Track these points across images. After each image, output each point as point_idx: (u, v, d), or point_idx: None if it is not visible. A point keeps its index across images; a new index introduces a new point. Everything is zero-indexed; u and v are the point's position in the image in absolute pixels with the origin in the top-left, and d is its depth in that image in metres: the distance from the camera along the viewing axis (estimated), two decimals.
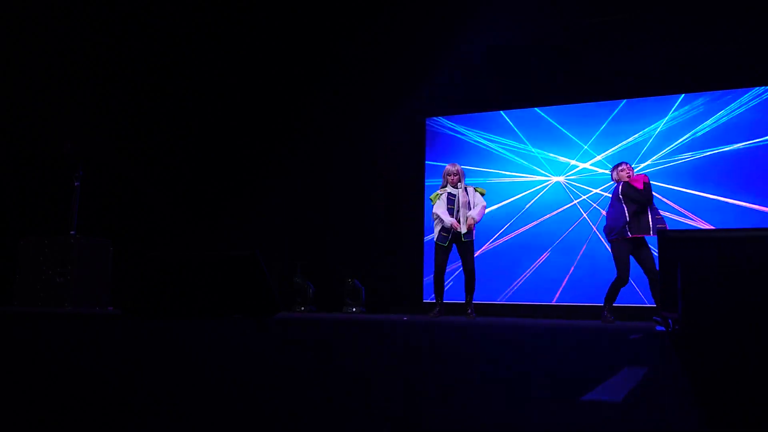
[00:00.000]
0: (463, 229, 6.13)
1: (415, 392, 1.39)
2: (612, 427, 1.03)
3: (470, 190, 6.33)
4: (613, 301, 5.96)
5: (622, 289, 5.98)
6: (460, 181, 6.29)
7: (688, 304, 2.87)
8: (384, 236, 9.03)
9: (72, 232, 6.94)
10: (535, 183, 8.40)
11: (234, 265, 5.16)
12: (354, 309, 8.28)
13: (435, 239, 6.29)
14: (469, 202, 6.24)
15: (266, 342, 2.87)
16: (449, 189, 6.29)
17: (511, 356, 2.40)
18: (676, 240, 3.82)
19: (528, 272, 8.23)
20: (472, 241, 6.24)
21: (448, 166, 6.39)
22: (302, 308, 8.37)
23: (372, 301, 8.58)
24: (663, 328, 4.53)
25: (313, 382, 1.51)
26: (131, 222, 8.48)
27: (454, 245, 6.29)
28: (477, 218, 6.22)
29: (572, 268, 8.00)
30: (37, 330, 3.34)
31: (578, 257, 8.01)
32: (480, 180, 8.59)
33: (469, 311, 6.26)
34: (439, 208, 6.23)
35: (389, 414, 1.12)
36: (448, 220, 6.15)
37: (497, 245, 8.44)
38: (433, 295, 6.45)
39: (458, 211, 6.21)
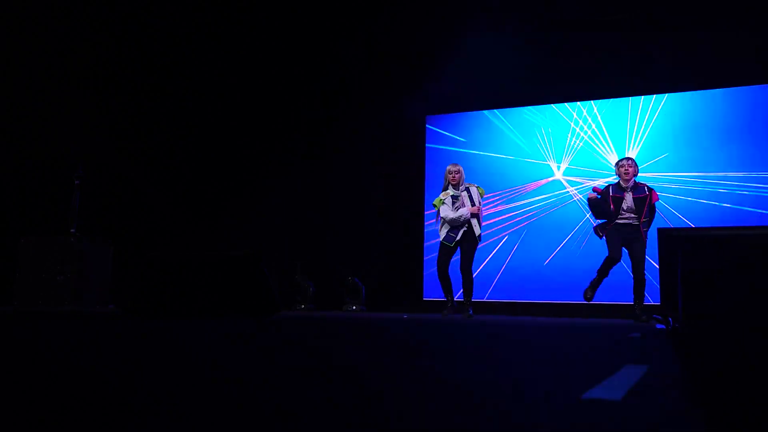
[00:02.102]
0: (469, 230, 6.13)
1: (415, 391, 1.39)
2: (612, 426, 1.03)
3: (473, 190, 6.27)
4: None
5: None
6: (460, 182, 6.26)
7: (688, 302, 2.87)
8: (384, 235, 9.03)
9: (72, 231, 6.94)
10: (536, 180, 8.40)
11: (234, 264, 5.16)
12: (354, 307, 8.29)
13: (441, 239, 6.27)
14: (474, 203, 6.21)
15: (266, 341, 2.87)
16: (451, 191, 6.26)
17: (511, 355, 2.40)
18: (676, 238, 3.81)
19: (528, 271, 8.22)
20: (476, 244, 6.21)
21: (449, 166, 6.36)
22: (302, 307, 8.37)
23: (372, 300, 8.59)
24: (663, 327, 4.53)
25: (312, 381, 1.51)
26: (131, 221, 8.48)
27: (458, 247, 6.25)
28: (477, 209, 6.16)
29: (573, 265, 8.00)
30: (38, 329, 3.34)
31: (579, 255, 8.01)
32: (480, 179, 8.59)
33: (467, 310, 6.21)
34: (446, 211, 6.20)
35: (389, 413, 1.12)
36: (465, 210, 6.12)
37: (498, 243, 8.44)
38: (443, 294, 6.36)
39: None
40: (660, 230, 4.40)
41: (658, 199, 5.78)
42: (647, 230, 5.74)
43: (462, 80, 8.63)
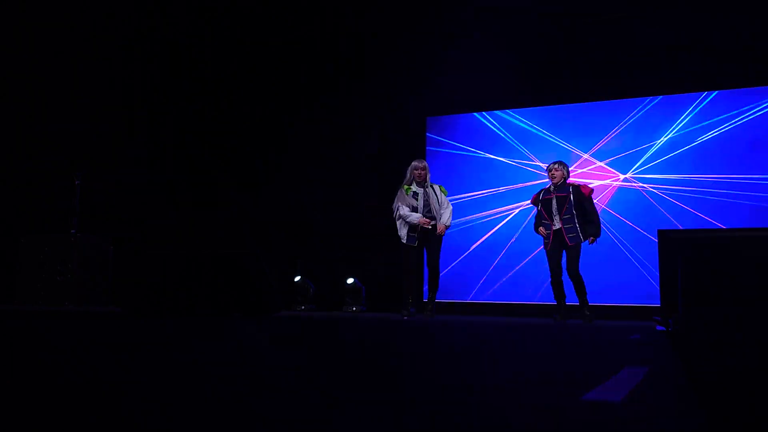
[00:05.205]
0: (434, 227, 6.07)
1: (414, 392, 1.39)
2: (612, 427, 1.03)
3: (437, 189, 6.19)
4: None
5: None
6: (426, 180, 6.16)
7: (688, 303, 2.87)
8: (384, 235, 9.02)
9: (72, 231, 6.95)
10: (537, 182, 8.40)
11: (235, 262, 5.17)
12: (354, 308, 8.28)
13: (404, 241, 6.09)
14: (438, 201, 6.12)
15: (266, 340, 2.87)
16: (414, 187, 6.16)
17: (511, 356, 2.40)
18: (676, 240, 3.82)
19: (528, 271, 8.22)
20: (441, 240, 6.12)
21: (415, 162, 6.22)
22: (302, 307, 8.37)
23: (372, 300, 8.59)
24: (663, 328, 4.53)
25: (311, 380, 1.52)
26: (131, 220, 8.48)
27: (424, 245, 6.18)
28: (449, 224, 6.12)
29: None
30: (38, 328, 3.34)
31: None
32: (478, 179, 8.60)
33: (430, 308, 6.11)
34: (403, 208, 6.08)
35: (389, 413, 1.12)
36: (416, 216, 6.00)
37: (498, 244, 8.44)
38: (408, 296, 6.13)
39: (425, 208, 6.08)
40: (660, 232, 4.40)
41: (588, 192, 5.82)
42: (590, 227, 5.76)
43: (462, 82, 8.62)
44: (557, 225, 5.83)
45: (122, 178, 8.44)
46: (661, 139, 7.84)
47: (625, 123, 8.05)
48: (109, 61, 8.56)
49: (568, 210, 5.78)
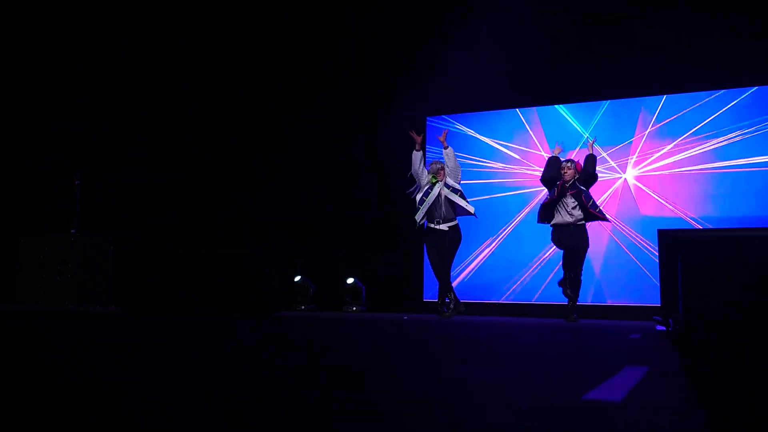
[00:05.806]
0: (451, 228, 6.16)
1: (415, 392, 1.39)
2: (612, 427, 1.03)
3: (449, 181, 6.29)
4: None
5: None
6: (443, 178, 6.27)
7: (688, 303, 2.87)
8: (384, 235, 9.03)
9: (72, 231, 6.95)
10: (535, 181, 8.40)
11: (235, 262, 5.17)
12: (354, 308, 8.28)
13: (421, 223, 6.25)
14: (450, 197, 6.21)
15: (266, 340, 2.87)
16: (432, 179, 6.31)
17: (511, 356, 2.40)
18: (676, 239, 3.82)
19: (528, 272, 8.22)
20: (454, 244, 6.17)
21: (432, 163, 6.45)
22: (302, 307, 8.38)
23: (372, 300, 8.58)
24: (663, 328, 4.53)
25: (311, 380, 1.52)
26: (132, 220, 8.48)
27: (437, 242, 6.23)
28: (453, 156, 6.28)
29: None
30: (38, 328, 3.34)
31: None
32: (480, 179, 8.60)
33: (442, 309, 6.21)
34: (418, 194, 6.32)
35: (390, 413, 1.12)
36: (413, 154, 6.37)
37: (498, 245, 8.44)
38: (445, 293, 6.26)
39: (435, 205, 6.16)
40: (660, 231, 4.40)
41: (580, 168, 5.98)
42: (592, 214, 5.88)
43: (462, 81, 8.62)
44: (574, 215, 5.87)
45: (122, 178, 8.44)
46: (660, 135, 7.84)
47: (625, 122, 8.05)
48: (109, 61, 8.56)
49: (587, 199, 5.88)
